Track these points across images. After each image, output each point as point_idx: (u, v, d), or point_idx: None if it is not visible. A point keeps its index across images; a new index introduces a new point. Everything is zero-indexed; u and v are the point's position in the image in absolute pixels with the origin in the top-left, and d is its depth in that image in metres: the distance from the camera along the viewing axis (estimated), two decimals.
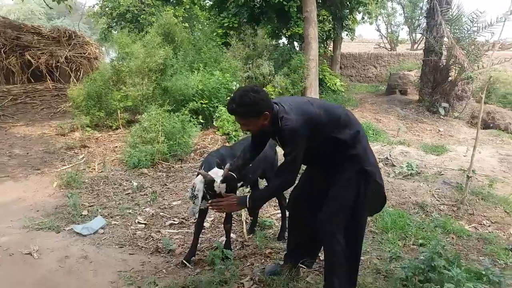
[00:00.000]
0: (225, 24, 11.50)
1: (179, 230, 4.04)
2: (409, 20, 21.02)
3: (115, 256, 3.48)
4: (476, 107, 9.13)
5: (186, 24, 11.60)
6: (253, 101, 2.39)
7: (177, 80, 7.14)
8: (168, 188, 5.12)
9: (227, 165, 2.87)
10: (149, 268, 3.29)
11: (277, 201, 3.97)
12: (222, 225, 3.66)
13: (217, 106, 7.26)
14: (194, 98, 7.02)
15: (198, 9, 15.01)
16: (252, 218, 4.01)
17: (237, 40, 9.93)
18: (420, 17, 19.53)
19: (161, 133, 5.84)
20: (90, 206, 4.56)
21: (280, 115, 2.48)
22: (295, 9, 10.99)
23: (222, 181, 2.79)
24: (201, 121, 7.03)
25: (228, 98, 7.62)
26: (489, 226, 4.44)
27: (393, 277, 3.09)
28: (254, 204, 2.65)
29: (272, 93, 8.64)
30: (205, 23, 12.61)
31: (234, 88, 7.64)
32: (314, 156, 2.65)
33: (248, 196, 2.63)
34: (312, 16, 9.68)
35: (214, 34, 10.86)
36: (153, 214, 4.38)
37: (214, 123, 7.22)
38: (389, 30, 22.42)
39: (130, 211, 4.42)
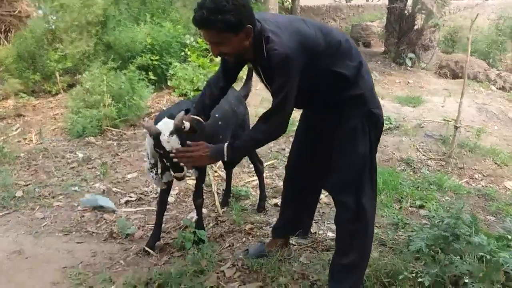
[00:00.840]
0: None
1: (137, 208, 3.35)
2: None
3: (59, 247, 2.78)
4: (442, 57, 8.82)
5: None
6: (232, 5, 1.66)
7: (121, 33, 6.22)
8: (121, 158, 4.36)
9: (181, 113, 2.03)
10: (102, 260, 2.62)
11: (252, 165, 3.34)
12: (192, 199, 2.97)
13: (170, 63, 6.40)
14: (142, 54, 6.14)
15: None
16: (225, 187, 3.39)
17: None
18: None
19: (107, 95, 5.00)
20: (26, 185, 3.77)
21: (265, 34, 1.78)
22: None
23: (171, 133, 1.98)
24: (153, 78, 6.17)
25: (182, 53, 6.89)
26: (481, 180, 4.09)
27: (399, 248, 2.62)
28: (234, 155, 1.95)
29: None
30: None
31: (188, 41, 6.79)
32: (307, 95, 1.99)
33: (226, 145, 1.92)
34: None
35: None
36: (104, 190, 3.65)
37: (168, 83, 6.38)
38: None
39: (76, 188, 3.67)
